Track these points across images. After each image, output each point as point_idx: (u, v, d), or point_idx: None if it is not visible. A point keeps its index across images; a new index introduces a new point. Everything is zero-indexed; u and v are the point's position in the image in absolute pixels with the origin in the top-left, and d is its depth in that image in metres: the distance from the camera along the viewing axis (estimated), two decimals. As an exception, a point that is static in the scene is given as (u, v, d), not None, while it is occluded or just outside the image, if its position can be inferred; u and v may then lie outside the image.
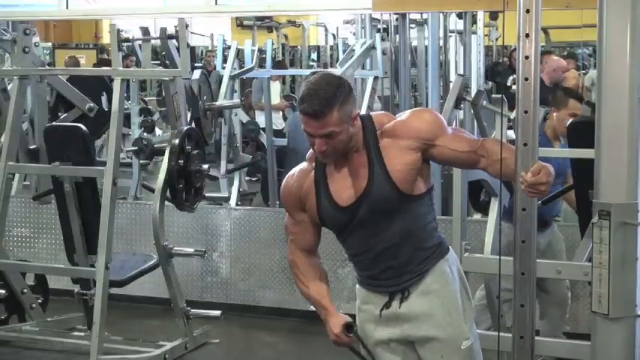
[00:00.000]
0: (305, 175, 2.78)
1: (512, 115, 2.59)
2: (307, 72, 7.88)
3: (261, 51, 9.58)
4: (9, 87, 5.45)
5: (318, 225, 2.81)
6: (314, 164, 2.76)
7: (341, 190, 2.71)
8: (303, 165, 2.81)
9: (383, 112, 3.02)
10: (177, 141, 4.82)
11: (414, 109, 3.19)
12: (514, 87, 2.51)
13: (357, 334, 2.79)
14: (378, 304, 2.80)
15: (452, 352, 2.76)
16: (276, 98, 10.34)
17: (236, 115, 7.82)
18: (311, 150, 2.74)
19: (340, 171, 2.72)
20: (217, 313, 5.08)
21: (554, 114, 4.45)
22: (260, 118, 9.11)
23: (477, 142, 2.73)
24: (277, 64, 11.21)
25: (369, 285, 2.83)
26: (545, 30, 11.46)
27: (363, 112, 4.01)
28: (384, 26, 7.53)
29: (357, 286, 2.89)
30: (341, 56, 8.16)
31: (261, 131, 8.48)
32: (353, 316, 2.87)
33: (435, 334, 2.75)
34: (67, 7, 5.82)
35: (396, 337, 2.80)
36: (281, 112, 10.11)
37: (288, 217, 2.86)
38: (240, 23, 15.20)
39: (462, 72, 7.83)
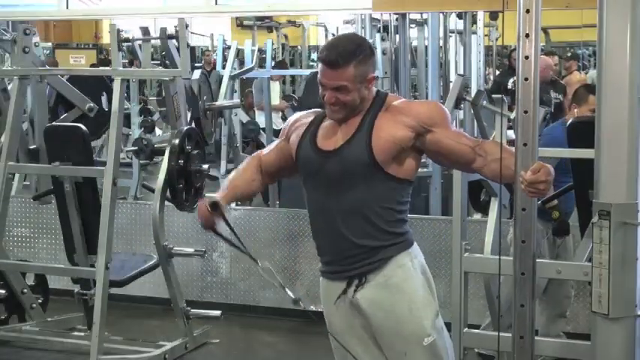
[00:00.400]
0: (306, 116, 2.90)
1: (512, 115, 2.59)
2: (307, 72, 7.89)
3: (261, 51, 9.60)
4: (9, 87, 5.45)
5: (289, 158, 2.89)
6: (313, 117, 2.86)
7: (324, 138, 2.80)
8: (305, 113, 2.94)
9: (399, 96, 3.07)
10: (177, 141, 4.82)
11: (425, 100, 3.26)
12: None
13: (221, 212, 2.83)
14: (336, 293, 2.82)
15: (414, 349, 2.75)
16: (275, 98, 10.35)
17: (236, 115, 7.84)
18: (314, 110, 2.88)
19: (333, 125, 2.79)
20: (217, 313, 5.08)
21: (575, 110, 4.50)
22: (260, 118, 9.11)
23: (476, 141, 2.75)
24: (278, 64, 11.22)
25: (328, 272, 2.85)
26: (545, 30, 11.48)
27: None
28: (384, 24, 7.52)
29: (320, 278, 2.92)
30: (341, 56, 8.13)
31: (261, 131, 8.48)
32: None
33: (396, 331, 2.75)
34: (67, 7, 5.82)
35: (358, 327, 2.81)
36: (280, 112, 10.12)
37: (275, 142, 3.02)
38: (240, 23, 15.21)
39: (461, 72, 7.84)
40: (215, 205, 2.82)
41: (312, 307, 2.93)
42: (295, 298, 2.85)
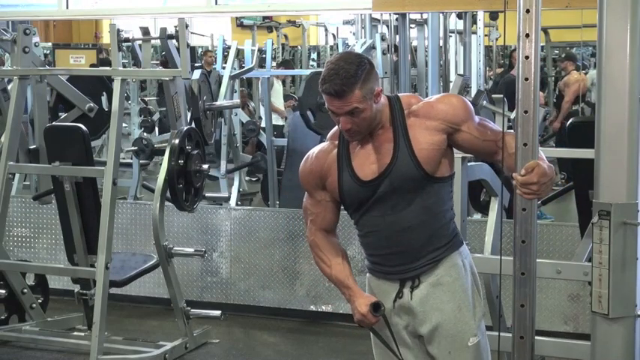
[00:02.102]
0: (326, 154, 2.78)
1: (512, 115, 2.59)
2: (307, 72, 7.88)
3: (261, 51, 9.60)
4: (9, 87, 5.45)
5: (338, 203, 2.81)
6: (337, 142, 2.77)
7: (364, 165, 2.72)
8: (324, 145, 2.82)
9: (410, 93, 3.03)
10: (177, 141, 4.82)
11: (442, 93, 3.21)
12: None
13: (384, 314, 2.76)
14: (390, 294, 2.78)
15: (459, 348, 2.74)
16: (278, 98, 10.35)
17: (236, 115, 7.84)
18: (334, 129, 2.77)
19: (364, 147, 2.73)
20: (217, 313, 5.08)
21: None
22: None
23: (499, 133, 2.71)
24: (283, 64, 11.21)
25: (380, 272, 2.81)
26: (545, 30, 11.48)
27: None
28: (384, 22, 7.52)
29: (368, 275, 2.87)
30: (341, 56, 8.13)
31: (261, 131, 8.48)
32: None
33: (443, 329, 2.74)
34: (67, 7, 5.82)
35: (407, 328, 2.79)
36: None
37: (308, 197, 2.86)
38: (240, 23, 15.20)
39: (461, 72, 7.85)
40: (378, 307, 2.74)
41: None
42: None
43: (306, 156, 2.86)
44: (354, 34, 9.34)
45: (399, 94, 2.83)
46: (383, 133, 2.70)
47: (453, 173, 2.79)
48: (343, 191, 2.74)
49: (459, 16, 8.07)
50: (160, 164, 5.05)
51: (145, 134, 8.36)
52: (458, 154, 3.06)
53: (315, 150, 2.84)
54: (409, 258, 2.74)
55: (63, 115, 5.41)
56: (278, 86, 10.62)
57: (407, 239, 2.72)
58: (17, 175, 6.47)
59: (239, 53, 9.18)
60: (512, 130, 2.56)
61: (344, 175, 2.73)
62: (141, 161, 7.31)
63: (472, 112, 2.74)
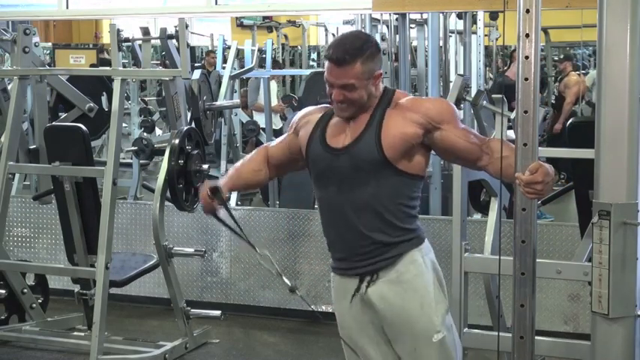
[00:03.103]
0: (315, 112, 2.89)
1: (512, 115, 2.59)
2: (307, 72, 7.89)
3: (261, 51, 9.59)
4: (9, 87, 5.45)
5: (296, 153, 2.90)
6: (322, 114, 2.86)
7: (334, 135, 2.80)
8: (315, 107, 2.94)
9: (408, 93, 3.07)
10: (177, 141, 4.83)
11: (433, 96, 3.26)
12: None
13: (221, 198, 2.86)
14: (349, 292, 2.82)
15: (424, 345, 2.77)
16: (273, 99, 10.34)
17: (236, 115, 7.84)
18: (323, 105, 2.88)
19: (342, 123, 2.80)
20: (217, 313, 5.09)
21: None
22: (256, 117, 9.11)
23: (483, 139, 2.76)
24: (275, 64, 11.21)
25: (340, 269, 2.86)
26: (545, 30, 11.48)
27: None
28: (384, 22, 7.52)
29: (332, 274, 2.92)
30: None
31: (261, 131, 8.49)
32: None
33: (407, 327, 2.77)
34: (67, 7, 5.82)
35: (370, 325, 2.82)
36: (280, 113, 10.12)
37: (281, 138, 3.02)
38: (240, 23, 15.20)
39: (461, 72, 7.84)
40: (216, 191, 2.85)
41: (312, 306, 2.92)
42: (292, 287, 2.87)
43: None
44: (354, 34, 9.31)
45: (396, 89, 2.88)
46: (362, 115, 2.76)
47: (422, 176, 2.80)
48: (310, 148, 2.83)
49: (459, 16, 8.07)
50: (160, 164, 5.05)
51: (145, 134, 8.37)
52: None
53: (311, 107, 2.97)
54: (363, 246, 2.76)
55: (63, 115, 5.41)
56: (273, 86, 10.61)
57: (355, 220, 2.75)
58: (17, 175, 6.47)
59: (239, 53, 9.18)
60: (496, 137, 2.58)
61: (314, 136, 2.82)
62: (141, 161, 7.31)
63: (457, 118, 2.77)
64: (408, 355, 2.79)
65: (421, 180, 2.81)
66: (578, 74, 10.08)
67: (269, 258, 2.88)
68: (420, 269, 2.78)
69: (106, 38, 15.82)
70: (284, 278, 2.85)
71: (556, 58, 12.27)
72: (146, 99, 10.84)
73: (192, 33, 12.35)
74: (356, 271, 2.81)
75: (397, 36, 7.11)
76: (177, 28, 5.23)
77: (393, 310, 2.77)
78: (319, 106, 2.94)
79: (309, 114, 2.92)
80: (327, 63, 2.71)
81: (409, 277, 2.77)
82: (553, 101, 9.73)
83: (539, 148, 2.48)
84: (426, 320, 2.76)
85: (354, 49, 2.66)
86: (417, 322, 2.76)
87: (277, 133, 8.81)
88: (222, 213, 2.93)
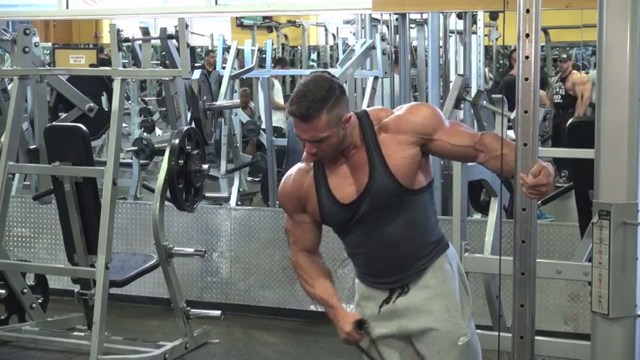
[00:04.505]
0: (303, 175, 2.76)
1: (512, 115, 2.59)
2: (307, 72, 7.88)
3: (261, 51, 9.60)
4: (9, 87, 5.45)
5: (319, 224, 2.80)
6: (312, 164, 2.75)
7: (342, 187, 2.70)
8: (301, 165, 2.79)
9: (379, 107, 3.02)
10: (177, 141, 4.82)
11: (411, 103, 3.18)
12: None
13: (367, 330, 2.78)
14: (378, 300, 2.80)
15: (448, 347, 2.76)
16: (279, 98, 10.36)
17: (236, 115, 7.84)
18: (302, 166, 2.77)
19: (340, 168, 2.71)
20: (217, 313, 5.09)
21: None
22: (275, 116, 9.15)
23: (476, 136, 2.73)
24: (278, 62, 11.21)
25: (369, 281, 2.83)
26: (545, 30, 11.48)
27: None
28: (384, 22, 7.52)
29: (357, 280, 2.89)
30: (341, 56, 8.16)
31: (261, 131, 8.49)
32: None
33: (432, 329, 2.76)
34: (67, 7, 5.82)
35: (395, 332, 2.80)
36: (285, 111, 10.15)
37: (289, 219, 2.84)
38: (240, 23, 15.20)
39: (461, 72, 7.84)
40: (363, 324, 2.76)
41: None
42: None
43: (284, 177, 2.84)
44: (354, 34, 9.34)
45: (367, 109, 2.79)
46: (356, 153, 2.68)
47: (432, 179, 2.79)
48: (325, 214, 2.73)
49: (459, 16, 8.07)
50: (160, 164, 5.04)
51: (145, 134, 8.37)
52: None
53: (292, 171, 2.81)
54: (397, 270, 2.76)
55: (63, 115, 5.41)
56: (278, 86, 10.62)
57: (393, 255, 2.73)
58: (17, 175, 6.47)
59: (239, 53, 9.18)
60: (490, 132, 2.55)
61: (323, 199, 2.71)
62: (141, 161, 7.31)
63: (442, 119, 2.72)
64: (431, 356, 2.77)
65: (433, 183, 2.80)
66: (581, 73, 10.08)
67: None
68: (447, 275, 2.79)
69: (106, 38, 15.82)
70: None
71: (555, 57, 12.28)
72: (146, 99, 10.86)
73: (192, 33, 12.36)
74: (387, 286, 2.79)
75: (397, 36, 7.12)
76: (177, 28, 5.23)
77: (418, 314, 2.76)
78: (299, 165, 2.78)
79: (298, 181, 2.75)
80: (292, 118, 2.61)
81: (436, 282, 2.77)
82: (559, 100, 9.70)
83: (540, 148, 2.48)
84: (452, 323, 2.76)
85: (316, 101, 2.54)
86: (443, 325, 2.75)
87: (277, 130, 8.84)
88: (366, 343, 2.83)
